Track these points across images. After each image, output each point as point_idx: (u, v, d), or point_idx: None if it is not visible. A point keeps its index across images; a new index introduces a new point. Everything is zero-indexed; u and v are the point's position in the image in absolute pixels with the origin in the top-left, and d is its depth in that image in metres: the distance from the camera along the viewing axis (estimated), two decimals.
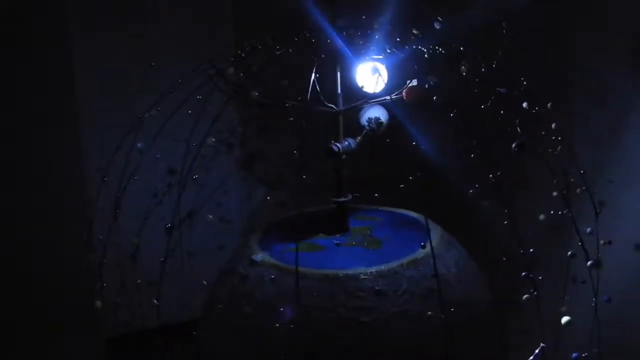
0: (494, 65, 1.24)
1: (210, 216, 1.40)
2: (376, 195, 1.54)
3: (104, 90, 1.79)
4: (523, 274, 1.14)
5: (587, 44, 1.60)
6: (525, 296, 1.16)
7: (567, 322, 1.10)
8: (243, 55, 1.32)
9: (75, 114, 1.77)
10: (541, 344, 1.11)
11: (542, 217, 1.29)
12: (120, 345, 1.86)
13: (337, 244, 1.40)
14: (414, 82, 1.26)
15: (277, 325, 1.24)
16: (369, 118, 1.38)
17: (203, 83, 1.29)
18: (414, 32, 1.28)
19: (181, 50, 1.76)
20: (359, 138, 1.40)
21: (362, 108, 1.40)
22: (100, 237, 1.32)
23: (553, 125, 1.24)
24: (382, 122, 1.37)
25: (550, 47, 1.64)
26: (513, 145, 1.13)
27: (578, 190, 1.28)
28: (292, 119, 1.28)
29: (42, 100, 1.68)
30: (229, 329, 1.34)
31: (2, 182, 1.66)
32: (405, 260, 1.31)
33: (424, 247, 1.15)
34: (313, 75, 1.22)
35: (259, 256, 1.36)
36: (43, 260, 1.71)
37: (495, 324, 1.40)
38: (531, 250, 1.16)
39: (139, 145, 1.30)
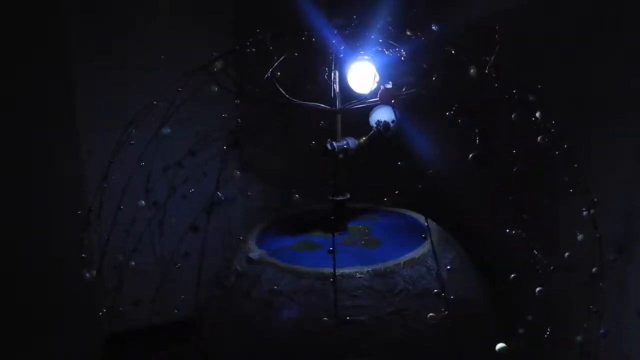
0: (487, 71, 1.23)
1: (143, 201, 1.41)
2: (377, 195, 1.54)
3: (104, 89, 1.80)
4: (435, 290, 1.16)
5: None
6: (430, 314, 1.19)
7: (502, 349, 1.09)
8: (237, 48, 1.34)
9: (76, 113, 1.77)
10: None
11: (580, 237, 1.26)
12: (119, 344, 1.86)
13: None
14: (389, 85, 1.26)
15: (274, 323, 1.24)
16: (378, 120, 1.38)
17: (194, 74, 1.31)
18: (407, 33, 1.28)
19: (180, 48, 1.76)
20: (364, 138, 1.39)
21: (372, 109, 1.40)
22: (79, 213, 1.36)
23: (539, 138, 1.22)
24: (390, 125, 1.36)
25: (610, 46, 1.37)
26: (470, 156, 1.13)
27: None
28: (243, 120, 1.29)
29: (42, 100, 1.69)
30: (227, 327, 1.34)
31: (2, 181, 1.67)
32: (402, 259, 1.31)
33: (331, 252, 1.14)
34: (269, 72, 1.23)
35: (256, 254, 1.36)
36: (43, 260, 1.71)
37: (491, 321, 1.39)
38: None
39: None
